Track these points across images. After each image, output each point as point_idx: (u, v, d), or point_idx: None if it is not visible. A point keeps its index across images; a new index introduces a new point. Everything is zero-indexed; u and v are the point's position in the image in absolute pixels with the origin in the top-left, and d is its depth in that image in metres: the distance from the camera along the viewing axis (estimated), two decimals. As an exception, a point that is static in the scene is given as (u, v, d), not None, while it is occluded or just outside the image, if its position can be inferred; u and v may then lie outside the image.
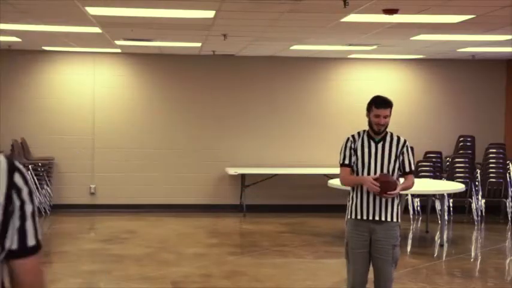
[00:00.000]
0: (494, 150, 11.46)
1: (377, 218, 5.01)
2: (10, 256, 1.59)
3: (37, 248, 1.63)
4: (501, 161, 11.19)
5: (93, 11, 6.71)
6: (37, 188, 10.69)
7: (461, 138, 12.10)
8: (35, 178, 10.53)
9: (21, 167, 1.63)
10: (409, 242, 9.84)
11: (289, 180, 11.73)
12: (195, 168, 11.73)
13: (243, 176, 11.42)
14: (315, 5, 6.14)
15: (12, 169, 1.59)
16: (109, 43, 9.84)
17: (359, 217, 5.05)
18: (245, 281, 7.08)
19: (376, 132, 5.06)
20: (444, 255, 8.76)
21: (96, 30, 8.21)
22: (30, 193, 1.61)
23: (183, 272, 7.46)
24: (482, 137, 12.00)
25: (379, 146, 5.06)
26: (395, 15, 6.44)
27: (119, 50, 11.19)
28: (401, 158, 5.07)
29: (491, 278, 7.86)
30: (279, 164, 11.74)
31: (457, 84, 12.24)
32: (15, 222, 1.57)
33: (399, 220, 5.12)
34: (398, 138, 5.14)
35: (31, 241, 1.60)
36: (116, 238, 9.24)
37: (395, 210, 5.07)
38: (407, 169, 5.08)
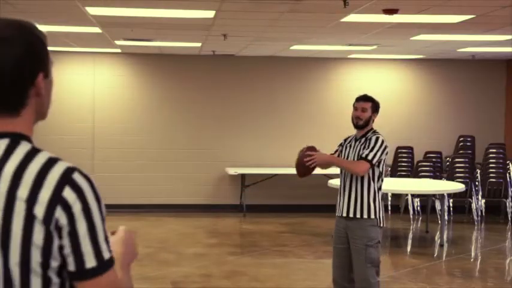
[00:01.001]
0: (494, 150, 11.46)
1: (344, 214, 5.18)
2: (71, 278, 1.47)
3: (99, 268, 1.46)
4: (501, 161, 11.19)
5: (93, 11, 6.71)
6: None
7: (461, 138, 12.10)
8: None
9: (78, 179, 1.46)
10: (409, 242, 9.85)
11: (289, 180, 11.72)
12: (195, 168, 11.73)
13: (243, 176, 11.42)
14: (315, 5, 6.14)
15: (63, 181, 1.45)
16: (109, 43, 9.84)
17: (336, 213, 5.30)
18: (245, 281, 7.09)
19: (355, 127, 5.24)
20: (444, 255, 8.76)
21: (96, 30, 8.21)
22: (86, 209, 1.45)
23: (183, 272, 7.46)
24: (482, 137, 12.00)
25: (356, 144, 5.26)
26: (395, 15, 6.45)
27: (119, 50, 11.19)
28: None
29: (491, 278, 7.86)
30: (279, 164, 11.74)
31: (457, 84, 12.24)
32: (64, 241, 1.44)
33: (376, 217, 5.10)
34: (372, 137, 5.21)
35: (90, 263, 1.45)
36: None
37: (365, 205, 5.09)
38: (362, 155, 5.12)
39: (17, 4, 6.40)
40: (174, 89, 11.75)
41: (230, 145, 11.80)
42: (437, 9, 6.33)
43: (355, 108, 5.26)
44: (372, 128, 5.26)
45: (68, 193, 1.44)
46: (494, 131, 12.22)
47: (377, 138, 5.12)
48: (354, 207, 5.12)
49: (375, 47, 9.91)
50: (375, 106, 5.26)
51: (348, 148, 5.31)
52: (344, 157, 5.29)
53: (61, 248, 1.45)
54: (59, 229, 1.44)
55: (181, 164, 11.72)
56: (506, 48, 9.86)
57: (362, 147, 5.16)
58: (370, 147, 5.09)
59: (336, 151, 5.48)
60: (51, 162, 1.48)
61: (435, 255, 8.84)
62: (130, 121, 11.63)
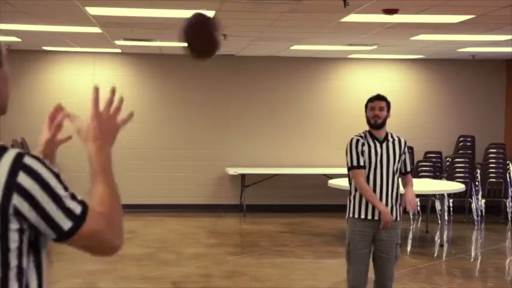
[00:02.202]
0: (494, 150, 11.47)
1: (377, 218, 5.05)
2: (57, 242, 1.60)
3: (76, 226, 1.57)
4: (501, 161, 11.19)
5: (93, 11, 6.71)
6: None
7: (461, 138, 12.10)
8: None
9: (30, 162, 1.51)
10: (409, 242, 9.84)
11: (289, 180, 11.73)
12: (195, 168, 11.73)
13: (243, 176, 11.41)
14: (315, 5, 6.14)
15: (16, 168, 1.48)
16: (109, 43, 9.84)
17: (363, 216, 5.04)
18: (245, 281, 7.08)
19: (374, 127, 5.08)
20: (444, 255, 8.76)
21: (96, 30, 8.21)
22: (46, 187, 1.52)
23: (183, 272, 7.46)
24: (482, 137, 12.00)
25: (384, 146, 5.09)
26: (395, 15, 6.45)
27: (119, 50, 11.19)
28: (403, 157, 5.17)
29: (491, 278, 7.86)
30: (279, 164, 11.74)
31: (457, 84, 12.24)
32: (34, 219, 1.52)
33: (401, 219, 5.22)
34: (399, 139, 5.21)
35: (66, 225, 1.56)
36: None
37: (399, 209, 5.14)
38: (408, 169, 5.22)
39: (17, 4, 6.40)
40: (174, 89, 11.76)
41: (230, 145, 11.80)
42: (437, 9, 6.33)
43: (372, 108, 5.07)
44: (386, 131, 5.20)
45: (23, 178, 1.49)
46: (494, 131, 12.22)
47: (408, 147, 5.24)
48: (390, 211, 5.09)
49: (375, 47, 9.91)
50: (389, 105, 5.22)
51: (372, 150, 5.04)
52: (371, 161, 5.02)
53: (21, 231, 1.52)
54: (20, 214, 1.50)
55: (181, 164, 11.72)
56: (506, 48, 9.86)
57: (398, 155, 5.05)
58: (408, 157, 5.20)
59: (359, 157, 5.04)
60: (0, 151, 1.51)
61: (435, 255, 8.83)
62: (130, 121, 11.61)
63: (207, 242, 9.22)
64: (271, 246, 8.93)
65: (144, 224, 10.47)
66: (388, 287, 5.18)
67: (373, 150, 5.07)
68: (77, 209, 1.58)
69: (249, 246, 9.07)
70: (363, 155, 5.04)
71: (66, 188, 1.58)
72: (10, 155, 1.50)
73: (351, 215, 5.12)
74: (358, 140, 5.07)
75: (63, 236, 1.57)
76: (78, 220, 1.57)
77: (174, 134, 11.77)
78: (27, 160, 1.51)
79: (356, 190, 5.10)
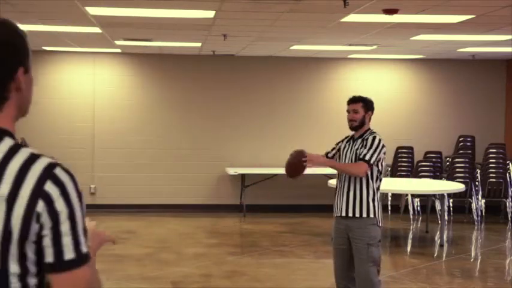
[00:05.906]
0: (494, 150, 11.47)
1: (344, 214, 5.16)
2: (47, 270, 1.50)
3: (77, 261, 1.49)
4: (501, 161, 11.20)
5: (93, 11, 6.72)
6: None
7: (461, 138, 12.10)
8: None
9: (60, 174, 1.48)
10: (409, 242, 9.85)
11: (289, 180, 11.69)
12: (195, 168, 11.73)
13: (243, 176, 11.41)
14: (315, 5, 6.14)
15: (45, 176, 1.46)
16: (109, 43, 9.84)
17: (336, 214, 5.25)
18: (245, 281, 7.09)
19: (352, 129, 5.27)
20: (444, 255, 8.76)
21: (96, 30, 8.21)
22: (69, 205, 1.48)
23: (183, 272, 7.46)
24: (482, 137, 12.00)
25: (354, 143, 5.29)
26: (395, 15, 6.45)
27: (119, 50, 11.19)
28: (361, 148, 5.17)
29: (491, 278, 7.86)
30: (279, 164, 11.70)
31: (457, 84, 12.24)
32: (45, 232, 1.46)
33: (376, 216, 5.11)
34: (370, 136, 5.23)
35: (69, 254, 1.48)
36: (116, 238, 9.22)
37: (365, 205, 5.11)
38: (360, 156, 5.13)
39: (17, 4, 6.40)
40: (174, 89, 11.76)
41: (230, 145, 11.80)
42: (437, 9, 6.33)
43: (348, 111, 5.34)
44: (369, 128, 5.30)
45: (50, 187, 1.47)
46: (494, 131, 12.22)
47: (374, 138, 5.15)
48: (353, 206, 5.13)
49: (375, 47, 9.91)
50: (367, 105, 5.28)
51: (346, 148, 5.32)
52: (342, 157, 5.29)
53: (39, 240, 1.47)
54: (40, 224, 1.46)
55: (181, 164, 11.72)
56: (506, 48, 9.86)
57: (360, 146, 5.17)
58: (368, 147, 5.12)
59: (333, 149, 5.47)
60: (33, 158, 1.50)
61: (435, 255, 8.84)
62: (130, 121, 11.64)
63: (207, 242, 9.23)
64: (271, 246, 8.94)
65: (145, 224, 10.47)
66: None
67: (344, 149, 5.30)
68: (84, 247, 1.51)
69: (249, 246, 9.07)
70: (337, 152, 5.38)
71: (83, 216, 1.53)
72: (42, 163, 1.49)
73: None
74: (341, 141, 5.46)
75: (58, 265, 1.48)
76: (81, 258, 1.50)
77: (173, 134, 11.77)
78: (58, 171, 1.49)
79: (336, 188, 5.28)
